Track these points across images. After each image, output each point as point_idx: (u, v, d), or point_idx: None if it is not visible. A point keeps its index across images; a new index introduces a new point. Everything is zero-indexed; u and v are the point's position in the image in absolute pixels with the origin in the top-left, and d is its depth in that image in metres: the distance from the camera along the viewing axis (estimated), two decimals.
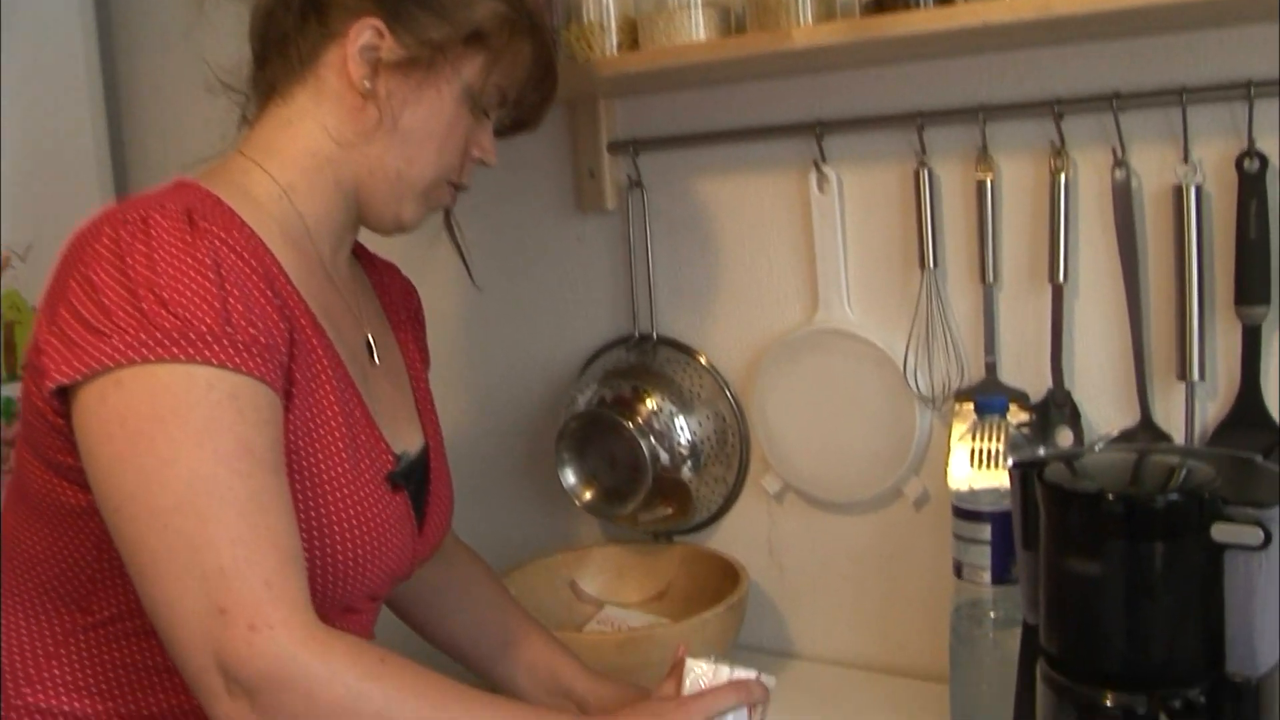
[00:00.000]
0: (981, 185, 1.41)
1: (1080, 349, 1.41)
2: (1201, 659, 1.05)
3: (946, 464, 1.40)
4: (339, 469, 1.05)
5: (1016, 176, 1.41)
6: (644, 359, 1.71)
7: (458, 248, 1.35)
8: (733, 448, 1.68)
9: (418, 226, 1.20)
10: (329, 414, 1.05)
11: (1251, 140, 1.26)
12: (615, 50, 1.49)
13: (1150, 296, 1.36)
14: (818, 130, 1.51)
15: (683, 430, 1.64)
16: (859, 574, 1.63)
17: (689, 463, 1.64)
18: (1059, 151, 1.36)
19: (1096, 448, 1.21)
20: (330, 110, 1.12)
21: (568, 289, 1.81)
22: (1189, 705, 1.02)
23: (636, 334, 1.73)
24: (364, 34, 1.10)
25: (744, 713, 1.09)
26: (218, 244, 0.97)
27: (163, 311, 0.92)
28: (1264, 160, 1.26)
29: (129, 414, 0.91)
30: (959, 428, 1.42)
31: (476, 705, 0.98)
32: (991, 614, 1.35)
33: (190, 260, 0.95)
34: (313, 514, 1.02)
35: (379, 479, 1.09)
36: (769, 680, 1.13)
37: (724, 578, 1.61)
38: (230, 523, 0.89)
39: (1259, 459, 1.15)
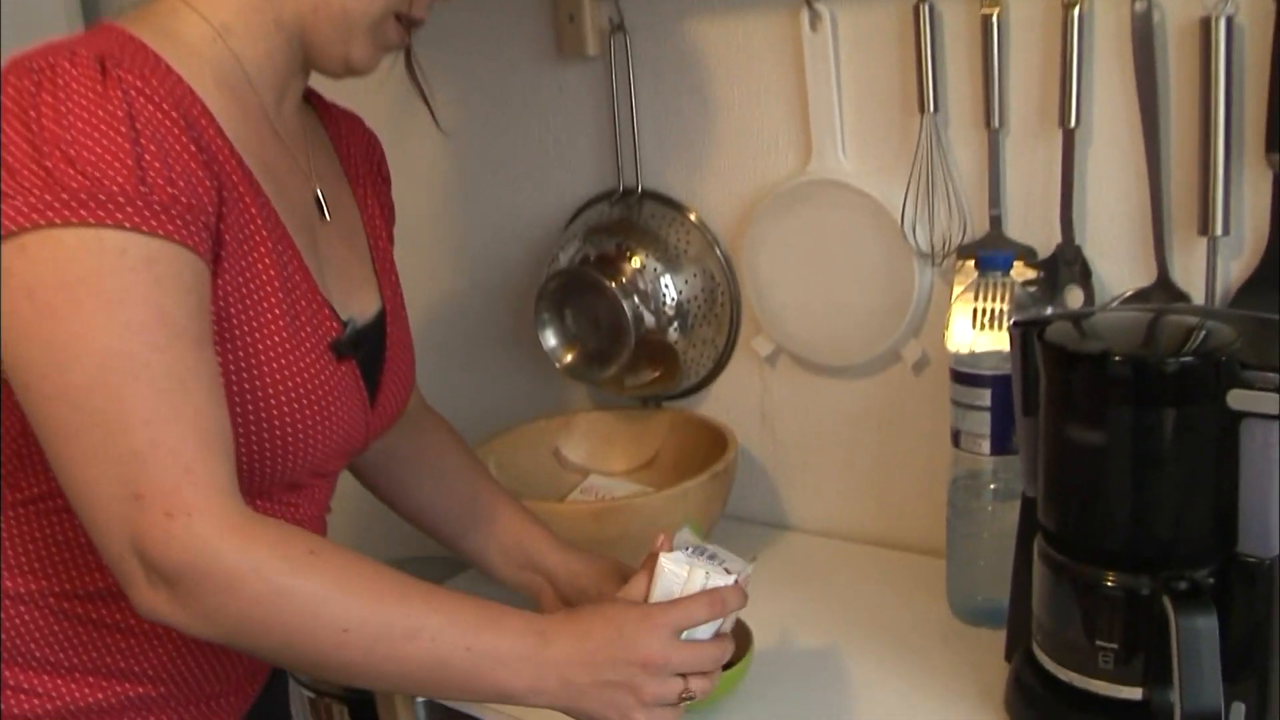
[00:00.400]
0: (987, 21, 1.29)
1: (1093, 201, 1.29)
2: (1211, 538, 0.97)
3: (947, 325, 1.30)
4: (276, 337, 0.97)
5: (1025, 10, 1.28)
6: (629, 214, 1.61)
7: (420, 92, 1.25)
8: (722, 308, 1.58)
9: (372, 69, 1.10)
10: (264, 278, 0.97)
11: None
12: None
13: (1171, 143, 1.24)
14: None
15: (669, 290, 1.54)
16: (855, 442, 1.55)
17: (675, 324, 1.55)
18: None
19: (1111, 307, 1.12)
20: None
21: (550, 142, 1.72)
22: (1196, 587, 0.94)
23: (621, 188, 1.63)
24: None
25: (716, 624, 1.01)
26: (133, 94, 0.87)
27: (70, 170, 0.84)
28: None
29: (36, 284, 0.84)
30: (960, 286, 1.32)
31: (415, 599, 0.91)
32: (991, 486, 1.27)
33: (101, 113, 0.86)
34: (246, 386, 0.95)
35: (321, 347, 1.02)
36: (747, 569, 1.05)
37: (713, 445, 1.53)
38: (145, 401, 0.84)
39: None
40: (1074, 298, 1.31)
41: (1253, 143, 1.19)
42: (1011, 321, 1.08)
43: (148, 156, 0.86)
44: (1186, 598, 0.92)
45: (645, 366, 1.59)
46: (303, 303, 1.01)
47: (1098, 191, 1.29)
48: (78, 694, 1.02)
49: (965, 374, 1.24)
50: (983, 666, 1.21)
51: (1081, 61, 1.24)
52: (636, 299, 1.53)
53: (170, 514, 0.83)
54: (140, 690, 1.04)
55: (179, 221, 0.87)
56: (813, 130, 1.44)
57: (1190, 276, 1.25)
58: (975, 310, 1.25)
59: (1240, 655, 0.96)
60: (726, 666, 1.15)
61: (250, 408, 0.96)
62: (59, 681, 1.01)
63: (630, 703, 0.95)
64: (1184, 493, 0.96)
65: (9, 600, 1.00)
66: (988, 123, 1.31)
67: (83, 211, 0.83)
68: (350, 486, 1.28)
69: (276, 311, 0.97)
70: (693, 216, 1.58)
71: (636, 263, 1.54)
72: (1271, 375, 0.90)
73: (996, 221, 1.34)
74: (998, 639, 1.21)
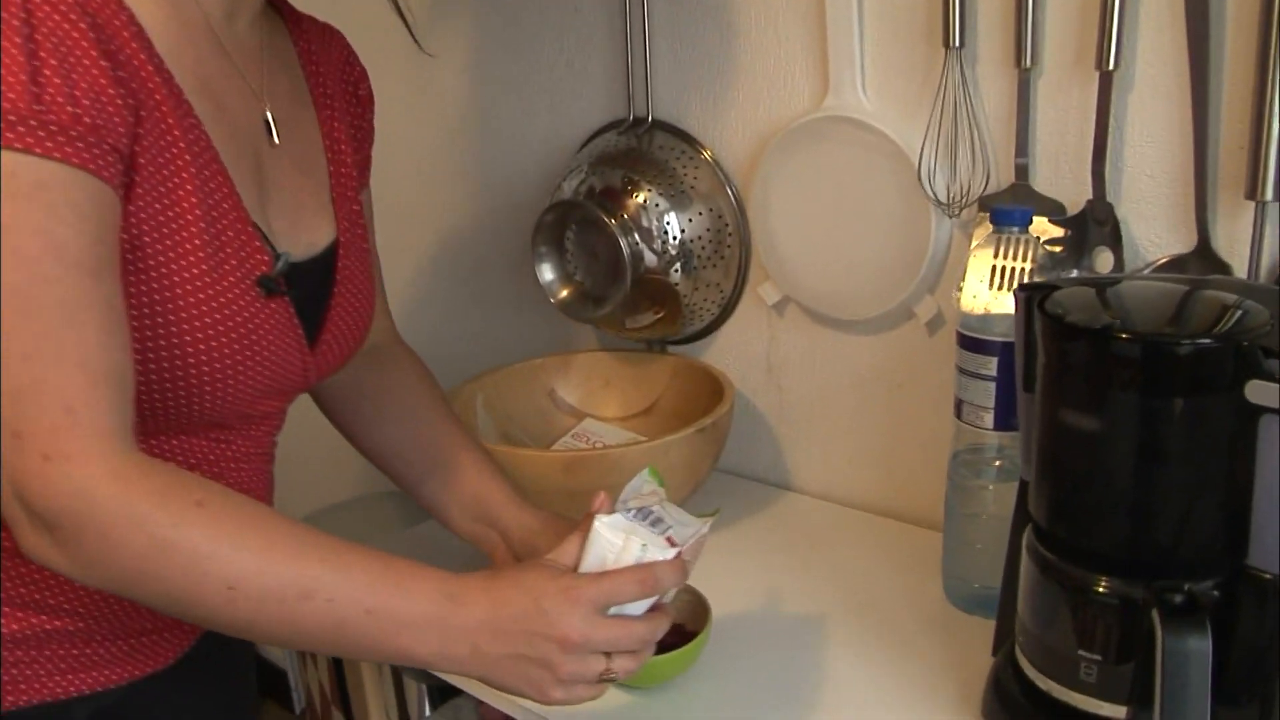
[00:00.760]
0: None
1: (1130, 154, 1.16)
2: (1218, 547, 0.85)
3: (962, 282, 1.18)
4: (194, 270, 0.90)
5: None
6: (639, 144, 1.50)
7: (397, 8, 1.17)
8: (731, 250, 1.47)
9: None
10: (184, 206, 0.90)
11: None
12: None
13: (1223, 93, 1.10)
14: None
15: (671, 227, 1.43)
16: (863, 403, 1.44)
17: (678, 265, 1.44)
18: None
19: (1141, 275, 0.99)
20: None
21: (564, 66, 1.62)
22: (1192, 603, 0.82)
23: (631, 116, 1.52)
24: None
25: (651, 599, 0.91)
26: (36, 1, 0.79)
27: None
28: None
29: None
30: (979, 241, 1.20)
31: (311, 555, 0.84)
32: (997, 463, 1.16)
33: None
34: (159, 320, 0.89)
35: (247, 282, 0.94)
36: (700, 529, 0.95)
37: (715, 397, 1.43)
38: (28, 336, 0.78)
39: None
40: (1103, 261, 1.18)
41: None
42: (1018, 285, 0.97)
43: (46, 71, 0.78)
44: (1179, 614, 0.81)
45: (646, 307, 1.49)
46: (229, 233, 0.93)
47: (1136, 144, 1.15)
48: None
49: (971, 338, 1.12)
50: (968, 660, 1.10)
51: None
52: (637, 236, 1.43)
53: (48, 457, 0.77)
54: (59, 624, 0.98)
55: (79, 144, 0.79)
56: (830, 62, 1.31)
57: (1234, 245, 1.12)
58: (994, 268, 1.13)
59: (1242, 680, 0.85)
60: (680, 642, 1.07)
61: (164, 343, 0.89)
62: None
63: (546, 678, 0.88)
64: (1189, 493, 0.84)
65: None
66: (1018, 61, 1.18)
67: None
68: None
69: (197, 242, 0.90)
70: (704, 151, 1.47)
71: (640, 198, 1.43)
72: None
73: (1022, 172, 1.21)
74: (990, 630, 1.10)
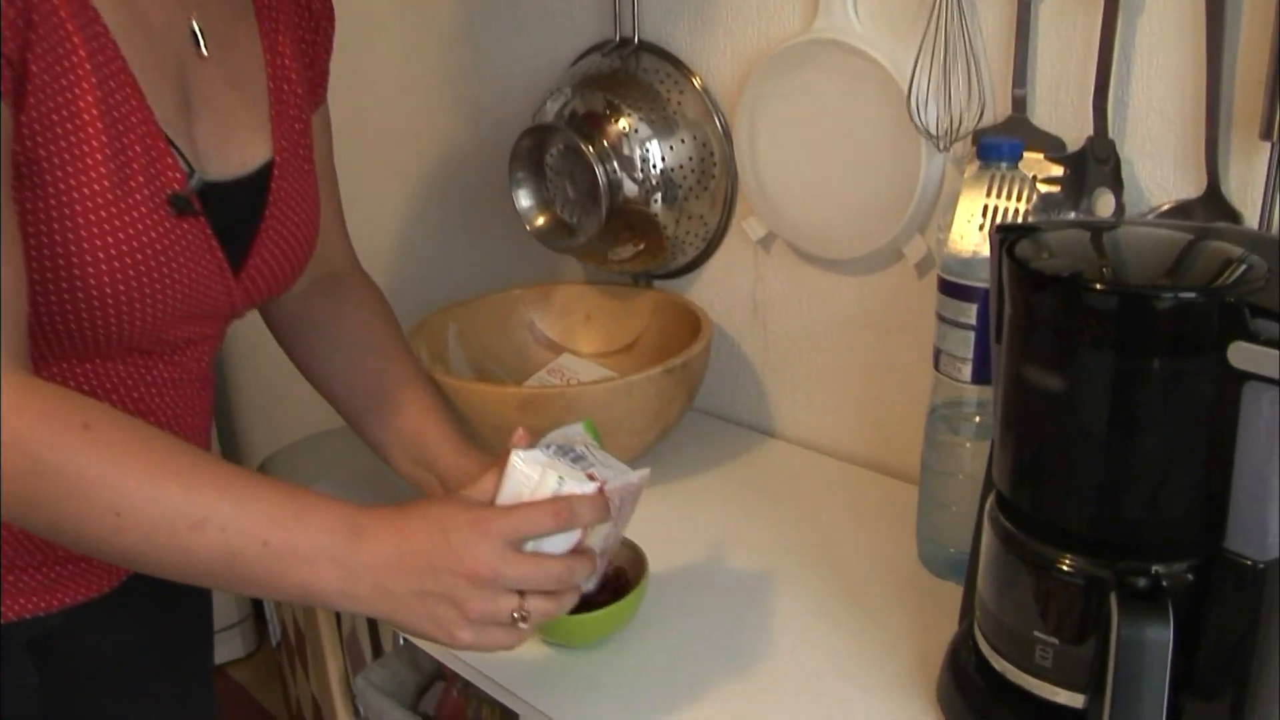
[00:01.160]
0: None
1: (1137, 87, 1.06)
2: (1194, 527, 0.76)
3: (950, 222, 1.09)
4: (96, 185, 0.84)
5: None
6: (624, 66, 1.41)
7: None
8: (717, 183, 1.38)
9: None
10: (84, 119, 0.84)
11: None
12: None
13: (1241, 25, 0.99)
14: None
15: (652, 155, 1.34)
16: (849, 347, 1.36)
17: (659, 195, 1.36)
18: None
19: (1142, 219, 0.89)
20: None
21: None
22: (1156, 587, 0.74)
23: (618, 37, 1.43)
24: None
25: (571, 537, 0.84)
26: None
27: None
28: None
29: None
30: (970, 176, 1.10)
31: (205, 483, 0.79)
32: (976, 419, 1.07)
33: None
34: (58, 239, 0.84)
35: (156, 201, 0.88)
36: (628, 477, 0.88)
37: (696, 335, 1.34)
38: None
39: None
40: (1104, 204, 1.08)
41: None
42: (994, 226, 0.88)
43: None
44: (1138, 599, 0.73)
45: (626, 239, 1.40)
46: (136, 148, 0.87)
47: (1143, 76, 1.05)
48: None
49: (951, 283, 1.04)
50: (934, 630, 1.03)
51: None
52: (616, 164, 1.34)
53: None
54: None
55: None
56: None
57: (1246, 191, 1.02)
58: (985, 208, 1.04)
59: (1215, 672, 0.77)
60: (614, 597, 1.00)
61: (63, 263, 0.84)
62: None
63: (453, 617, 0.81)
64: (1163, 466, 0.75)
65: None
66: None
67: None
68: None
69: (99, 156, 0.84)
70: (696, 82, 1.38)
71: (621, 124, 1.35)
72: None
73: (1020, 103, 1.11)
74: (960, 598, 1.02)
